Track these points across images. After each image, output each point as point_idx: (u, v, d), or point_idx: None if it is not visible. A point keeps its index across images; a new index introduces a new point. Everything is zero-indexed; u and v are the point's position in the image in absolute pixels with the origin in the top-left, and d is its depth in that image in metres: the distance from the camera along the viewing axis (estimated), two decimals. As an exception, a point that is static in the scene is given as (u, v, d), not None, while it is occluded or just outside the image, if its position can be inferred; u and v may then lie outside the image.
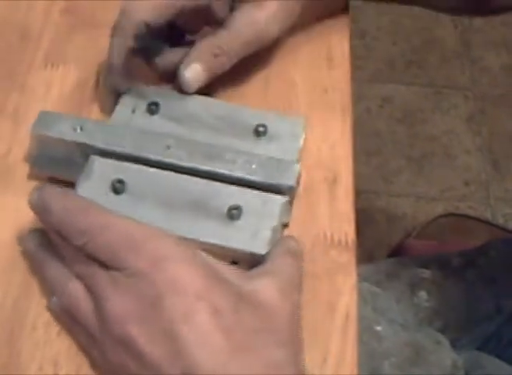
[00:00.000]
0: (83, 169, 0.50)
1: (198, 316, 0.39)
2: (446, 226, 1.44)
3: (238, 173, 0.50)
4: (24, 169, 0.55)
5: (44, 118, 0.52)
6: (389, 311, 0.77)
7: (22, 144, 0.56)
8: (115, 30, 0.54)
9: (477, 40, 1.82)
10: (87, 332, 0.44)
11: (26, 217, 0.52)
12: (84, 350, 0.46)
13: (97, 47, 0.62)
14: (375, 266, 0.93)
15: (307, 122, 0.56)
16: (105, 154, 0.51)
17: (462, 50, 1.81)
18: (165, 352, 0.39)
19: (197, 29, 0.59)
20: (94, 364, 0.45)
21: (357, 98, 1.67)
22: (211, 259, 0.44)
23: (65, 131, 0.51)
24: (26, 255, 0.50)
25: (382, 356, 0.71)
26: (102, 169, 0.50)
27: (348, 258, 0.51)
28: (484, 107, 1.71)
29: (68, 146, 0.52)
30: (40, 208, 0.45)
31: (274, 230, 0.48)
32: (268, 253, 0.47)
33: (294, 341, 0.42)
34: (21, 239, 0.50)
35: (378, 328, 0.72)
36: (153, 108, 0.55)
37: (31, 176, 0.54)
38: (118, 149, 0.51)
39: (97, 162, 0.50)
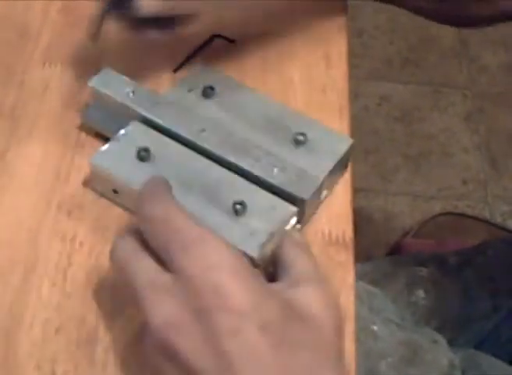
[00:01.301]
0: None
1: (246, 332, 0.38)
2: (444, 224, 1.44)
3: (257, 172, 0.51)
4: (22, 168, 0.55)
5: (105, 75, 0.55)
6: (385, 310, 0.77)
7: (20, 142, 0.56)
8: None
9: (474, 38, 1.82)
10: None
11: (24, 216, 0.52)
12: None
13: (94, 45, 0.62)
14: (372, 264, 0.94)
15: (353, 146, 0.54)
16: (145, 122, 0.53)
17: (460, 48, 1.81)
18: (212, 366, 0.38)
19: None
20: (92, 363, 0.45)
21: (355, 96, 1.67)
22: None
23: (119, 92, 0.54)
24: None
25: (379, 356, 0.71)
26: (134, 134, 0.53)
27: (346, 256, 0.51)
28: (482, 105, 1.71)
29: (117, 106, 0.54)
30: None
31: (270, 235, 0.47)
32: (266, 256, 0.47)
33: (341, 356, 0.41)
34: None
35: (375, 328, 0.72)
36: (208, 91, 0.56)
37: (32, 175, 0.54)
38: (156, 120, 0.53)
39: (132, 127, 0.53)
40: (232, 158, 0.51)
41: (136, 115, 0.54)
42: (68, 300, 0.48)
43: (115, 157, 0.52)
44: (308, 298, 0.42)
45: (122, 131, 0.53)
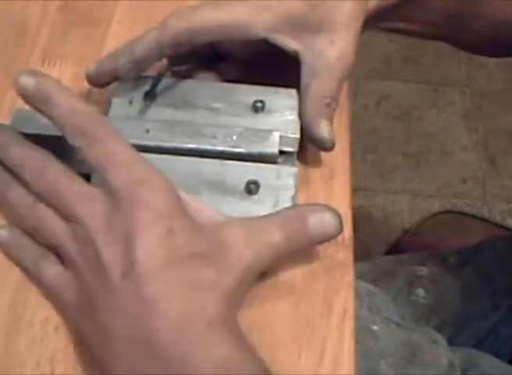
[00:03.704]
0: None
1: (153, 230, 0.42)
2: (443, 223, 1.44)
3: (220, 147, 0.52)
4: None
5: (20, 116, 0.53)
6: (385, 310, 0.77)
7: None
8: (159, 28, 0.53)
9: (473, 36, 1.82)
10: (50, 247, 0.47)
11: (22, 215, 0.52)
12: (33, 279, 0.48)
13: (93, 44, 0.62)
14: (371, 263, 0.94)
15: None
16: None
17: (458, 47, 1.81)
18: (116, 254, 0.42)
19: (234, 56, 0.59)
20: (91, 361, 0.45)
21: (354, 94, 1.67)
22: (186, 198, 0.46)
23: (44, 127, 0.52)
24: None
25: (379, 356, 0.71)
26: None
27: (345, 255, 0.51)
28: (480, 104, 1.71)
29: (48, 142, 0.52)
30: (40, 97, 0.46)
31: (293, 200, 0.50)
32: None
33: (231, 278, 0.43)
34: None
35: (375, 328, 0.72)
36: (150, 96, 0.56)
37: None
38: None
39: None
40: (189, 145, 0.52)
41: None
42: (67, 299, 0.48)
43: None
44: (229, 229, 0.45)
45: None
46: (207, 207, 0.48)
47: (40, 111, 0.46)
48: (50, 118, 0.46)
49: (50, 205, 0.46)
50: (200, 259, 0.42)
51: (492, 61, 1.78)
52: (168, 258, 0.41)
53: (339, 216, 0.47)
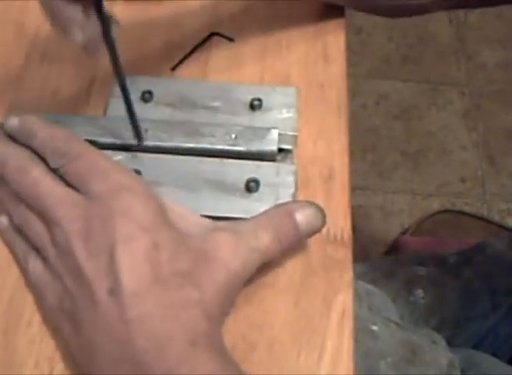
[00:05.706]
0: None
1: (137, 242, 0.41)
2: (442, 222, 1.44)
3: (219, 146, 0.52)
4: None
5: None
6: (385, 310, 0.77)
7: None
8: None
9: (472, 36, 1.83)
10: (34, 246, 0.47)
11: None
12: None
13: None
14: (370, 264, 0.94)
15: (299, 94, 0.58)
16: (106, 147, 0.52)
17: (458, 46, 1.81)
18: (99, 267, 0.41)
19: None
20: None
21: (353, 94, 1.67)
22: (170, 204, 0.46)
23: None
24: None
25: (378, 356, 0.71)
26: None
27: (344, 254, 0.51)
28: (480, 103, 1.71)
29: None
30: (24, 132, 0.49)
31: (293, 197, 0.51)
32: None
33: (214, 295, 0.43)
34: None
35: (374, 328, 0.72)
36: (147, 96, 0.56)
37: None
38: (99, 139, 0.52)
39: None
40: (189, 144, 0.52)
41: None
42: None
43: None
44: (216, 239, 0.44)
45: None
46: (191, 212, 0.48)
47: (27, 144, 0.49)
48: (35, 148, 0.48)
49: (31, 206, 0.47)
50: (185, 278, 0.42)
51: (492, 60, 1.78)
52: (153, 277, 0.41)
53: (321, 209, 0.48)
